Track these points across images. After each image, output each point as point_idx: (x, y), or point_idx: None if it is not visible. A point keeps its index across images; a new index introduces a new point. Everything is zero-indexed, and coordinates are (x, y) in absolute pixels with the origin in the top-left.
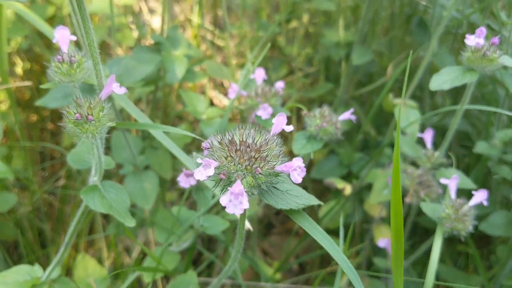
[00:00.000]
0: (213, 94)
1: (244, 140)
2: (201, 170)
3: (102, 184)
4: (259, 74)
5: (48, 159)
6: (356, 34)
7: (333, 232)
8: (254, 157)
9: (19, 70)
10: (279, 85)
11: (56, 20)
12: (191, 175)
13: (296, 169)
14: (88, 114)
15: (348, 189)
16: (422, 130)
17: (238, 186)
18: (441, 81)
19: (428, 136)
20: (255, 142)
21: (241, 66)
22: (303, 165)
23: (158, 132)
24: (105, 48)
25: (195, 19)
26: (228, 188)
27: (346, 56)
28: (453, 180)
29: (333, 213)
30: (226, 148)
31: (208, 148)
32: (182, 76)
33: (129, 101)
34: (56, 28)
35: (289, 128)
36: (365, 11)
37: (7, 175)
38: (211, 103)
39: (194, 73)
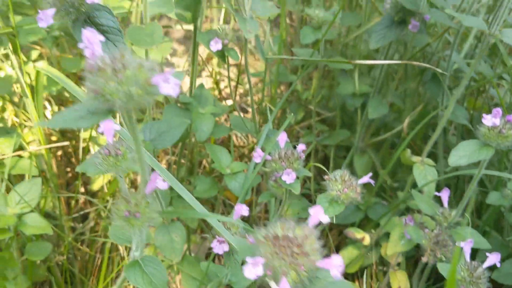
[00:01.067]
0: (237, 142)
1: (285, 234)
2: (250, 269)
3: (142, 259)
4: (282, 138)
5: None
6: (370, 84)
7: (350, 276)
8: (296, 252)
9: (48, 115)
10: (301, 148)
11: None
12: (224, 242)
13: (336, 266)
14: (136, 211)
15: (367, 239)
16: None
17: (285, 285)
18: (458, 156)
19: (445, 195)
20: (296, 236)
21: (262, 114)
22: (342, 262)
23: (194, 202)
24: None
25: (215, 67)
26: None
27: (361, 106)
28: (468, 244)
29: (352, 260)
30: (271, 244)
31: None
32: (209, 133)
33: (175, 180)
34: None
35: (326, 219)
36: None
37: (47, 230)
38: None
39: (220, 128)
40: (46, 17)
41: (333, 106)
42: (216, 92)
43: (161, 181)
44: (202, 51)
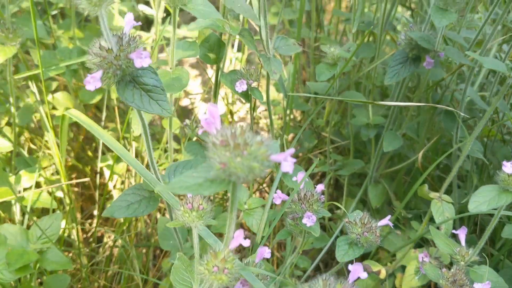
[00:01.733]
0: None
1: None
2: None
3: None
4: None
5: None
6: (384, 114)
7: None
8: None
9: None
10: (320, 188)
11: None
12: (247, 284)
13: None
14: (224, 267)
15: (383, 273)
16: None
17: None
18: (478, 202)
19: (462, 234)
20: None
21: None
22: None
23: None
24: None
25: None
26: None
27: (375, 136)
28: (485, 286)
29: None
30: None
31: None
32: None
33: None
34: None
35: (365, 276)
36: (392, 94)
37: (67, 266)
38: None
39: None
40: (95, 80)
41: (347, 134)
42: (229, 117)
43: (243, 239)
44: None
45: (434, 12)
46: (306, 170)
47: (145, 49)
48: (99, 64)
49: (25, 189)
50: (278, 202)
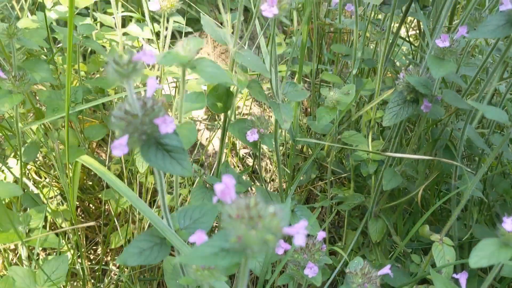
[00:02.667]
0: None
1: None
2: None
3: None
4: (302, 226)
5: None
6: (384, 149)
7: None
8: None
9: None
10: (321, 236)
11: None
12: None
13: None
14: None
15: None
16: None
17: None
18: (479, 257)
19: (463, 279)
20: None
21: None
22: None
23: None
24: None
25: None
26: None
27: (375, 172)
28: None
29: None
30: None
31: None
32: None
33: None
34: None
35: None
36: (390, 132)
37: None
38: None
39: None
40: (121, 146)
41: (347, 165)
42: (233, 158)
43: None
44: None
45: (431, 62)
46: (307, 203)
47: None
48: (125, 129)
49: (31, 230)
50: (280, 252)
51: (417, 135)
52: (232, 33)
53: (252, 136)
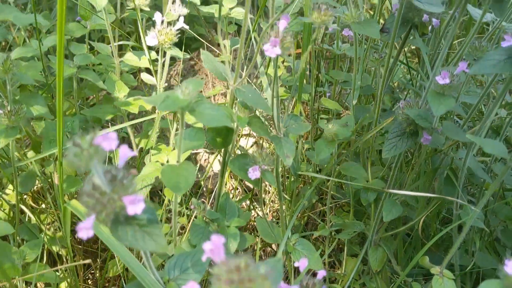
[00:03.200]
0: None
1: None
2: None
3: None
4: (303, 264)
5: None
6: (383, 176)
7: None
8: None
9: None
10: (321, 274)
11: None
12: None
13: None
14: None
15: None
16: None
17: None
18: None
19: None
20: None
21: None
22: None
23: None
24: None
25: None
26: None
27: (375, 200)
28: None
29: None
30: None
31: None
32: (235, 248)
33: None
34: None
35: None
36: (390, 159)
37: None
38: None
39: (245, 239)
40: (87, 229)
41: (347, 190)
42: (231, 179)
43: None
44: None
45: (431, 98)
46: (307, 227)
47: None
48: (93, 207)
49: (28, 263)
50: None
51: (418, 165)
52: (235, 58)
53: (254, 173)
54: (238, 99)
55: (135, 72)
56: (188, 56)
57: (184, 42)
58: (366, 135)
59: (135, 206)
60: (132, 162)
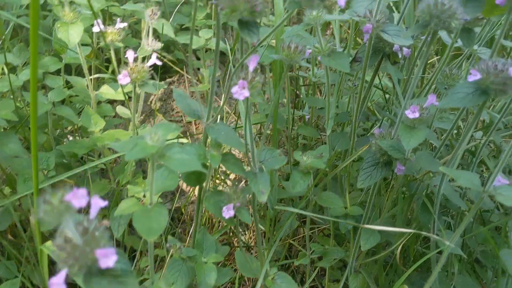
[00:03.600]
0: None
1: None
2: None
3: None
4: None
5: None
6: (361, 202)
7: None
8: None
9: None
10: None
11: None
12: None
13: None
14: None
15: None
16: None
17: None
18: None
19: None
20: None
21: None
22: None
23: None
24: None
25: None
26: None
27: (354, 227)
28: None
29: None
30: None
31: None
32: (214, 282)
33: None
34: None
35: None
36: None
37: None
38: None
39: (224, 273)
40: (59, 285)
41: (327, 215)
42: None
43: None
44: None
45: (402, 131)
46: (287, 258)
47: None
48: (65, 260)
49: None
50: None
51: (395, 190)
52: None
53: (228, 212)
54: (210, 138)
55: (115, 100)
56: (165, 86)
57: (166, 65)
58: (342, 163)
59: (108, 259)
60: (111, 195)
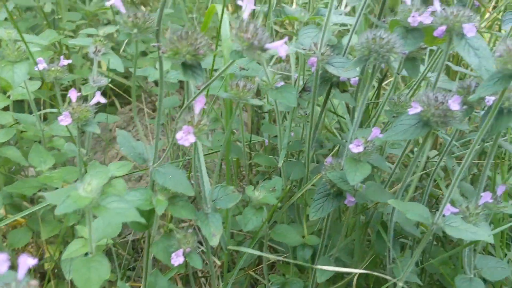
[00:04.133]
0: None
1: None
2: None
3: None
4: None
5: None
6: (318, 230)
7: None
8: None
9: None
10: None
11: None
12: None
13: None
14: None
15: None
16: None
17: None
18: None
19: None
20: None
21: None
22: None
23: None
24: None
25: None
26: None
27: (312, 256)
28: None
29: None
30: None
31: None
32: None
33: None
34: None
35: None
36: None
37: None
38: None
39: None
40: None
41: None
42: None
43: None
44: None
45: (347, 166)
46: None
47: None
48: None
49: None
50: None
51: (347, 218)
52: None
53: (177, 259)
54: (156, 182)
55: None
56: (118, 119)
57: (129, 90)
58: (297, 193)
59: None
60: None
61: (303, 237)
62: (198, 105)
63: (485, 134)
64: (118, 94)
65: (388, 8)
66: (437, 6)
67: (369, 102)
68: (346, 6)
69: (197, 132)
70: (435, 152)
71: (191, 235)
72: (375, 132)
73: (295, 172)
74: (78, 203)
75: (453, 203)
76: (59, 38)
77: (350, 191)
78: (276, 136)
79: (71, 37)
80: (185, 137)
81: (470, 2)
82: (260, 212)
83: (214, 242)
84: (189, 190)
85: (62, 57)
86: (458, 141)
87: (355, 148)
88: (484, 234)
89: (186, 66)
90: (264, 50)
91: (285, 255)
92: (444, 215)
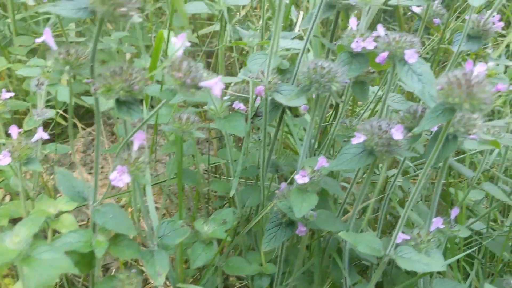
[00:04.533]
0: None
1: None
2: None
3: None
4: None
5: None
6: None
7: None
8: None
9: None
10: None
11: None
12: None
13: None
14: None
15: None
16: None
17: None
18: None
19: None
20: None
21: None
22: None
23: None
24: None
25: None
26: None
27: (270, 285)
28: None
29: None
30: None
31: None
32: None
33: None
34: None
35: None
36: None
37: None
38: None
39: None
40: None
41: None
42: None
43: None
44: None
45: (293, 197)
46: None
47: None
48: None
49: None
50: None
51: (302, 248)
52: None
53: None
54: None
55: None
56: (67, 150)
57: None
58: (252, 221)
59: None
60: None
61: (261, 265)
62: (137, 142)
63: (433, 162)
64: (80, 115)
65: (341, 29)
66: (380, 31)
67: (326, 124)
68: (299, 28)
69: (134, 171)
70: (395, 171)
71: (135, 276)
72: (321, 161)
73: (251, 199)
74: (5, 257)
75: (409, 225)
76: (7, 66)
77: (301, 220)
78: (234, 160)
79: (26, 61)
80: (119, 177)
81: (422, 26)
82: (209, 247)
83: (159, 281)
84: (130, 230)
85: (4, 90)
86: (414, 162)
87: (301, 179)
88: (437, 265)
89: (120, 103)
90: (198, 88)
91: (246, 282)
92: (397, 245)
